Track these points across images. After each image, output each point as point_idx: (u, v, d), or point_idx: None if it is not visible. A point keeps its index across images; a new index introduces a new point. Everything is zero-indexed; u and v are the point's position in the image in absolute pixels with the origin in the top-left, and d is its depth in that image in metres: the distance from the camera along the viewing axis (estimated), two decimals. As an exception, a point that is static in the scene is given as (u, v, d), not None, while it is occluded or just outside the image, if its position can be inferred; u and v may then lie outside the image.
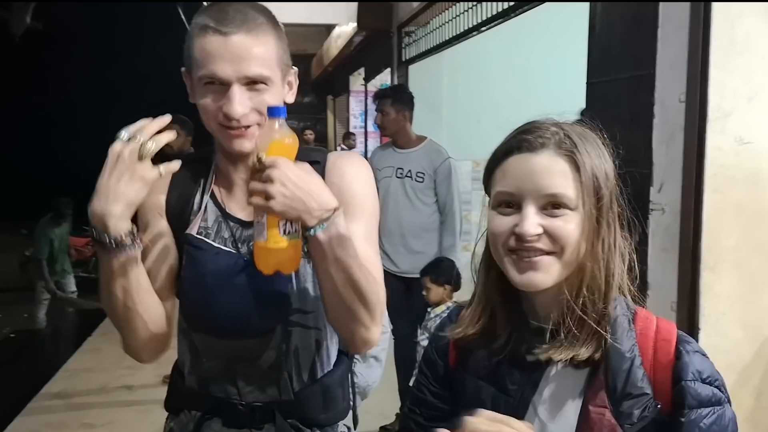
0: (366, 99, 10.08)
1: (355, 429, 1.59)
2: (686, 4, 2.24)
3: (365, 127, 10.24)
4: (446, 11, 5.41)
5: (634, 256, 1.11)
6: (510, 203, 1.05)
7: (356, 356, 1.65)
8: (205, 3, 8.10)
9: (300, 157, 1.32)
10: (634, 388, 1.01)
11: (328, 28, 9.69)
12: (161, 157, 1.26)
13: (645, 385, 1.01)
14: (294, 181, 1.18)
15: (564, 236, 1.03)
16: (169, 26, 11.77)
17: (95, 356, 6.11)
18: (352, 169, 1.44)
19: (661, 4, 2.36)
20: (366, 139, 9.97)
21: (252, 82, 1.30)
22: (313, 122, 16.03)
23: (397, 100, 4.07)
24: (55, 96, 23.06)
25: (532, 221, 1.02)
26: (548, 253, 1.03)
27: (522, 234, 1.02)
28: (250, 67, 1.29)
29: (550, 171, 1.03)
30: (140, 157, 1.21)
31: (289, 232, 1.24)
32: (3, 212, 16.34)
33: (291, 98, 1.44)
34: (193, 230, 1.42)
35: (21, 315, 8.90)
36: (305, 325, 1.41)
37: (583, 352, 1.02)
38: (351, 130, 10.94)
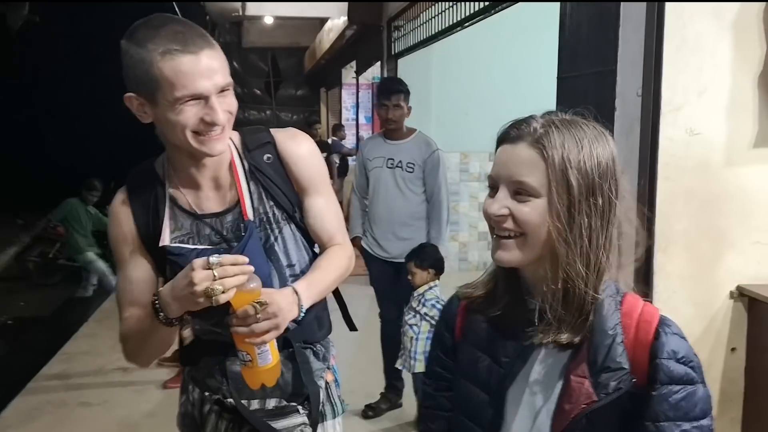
0: (357, 91, 10.19)
1: None
2: (644, 5, 2.42)
3: (357, 118, 10.36)
4: (433, 6, 5.55)
5: (635, 246, 1.22)
6: (492, 186, 1.18)
7: None
8: (201, 3, 8.18)
9: (248, 140, 1.64)
10: (613, 362, 1.09)
11: (321, 22, 9.79)
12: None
13: (623, 360, 1.09)
14: (282, 306, 1.47)
15: (526, 221, 1.12)
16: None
17: (91, 341, 6.23)
18: (301, 149, 1.68)
19: (622, 5, 2.53)
20: (357, 131, 10.10)
21: (221, 90, 1.47)
22: (307, 114, 16.13)
23: (407, 95, 4.20)
24: (50, 90, 23.03)
25: (499, 203, 1.14)
26: (517, 235, 1.14)
27: (486, 212, 1.16)
28: (221, 77, 1.46)
29: (519, 161, 1.12)
30: (206, 296, 1.36)
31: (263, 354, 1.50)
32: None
33: None
34: (166, 241, 1.57)
35: (17, 303, 9.05)
36: (294, 275, 1.67)
37: (565, 337, 1.12)
38: (343, 121, 11.07)
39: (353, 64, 9.70)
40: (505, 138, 1.17)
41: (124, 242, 1.62)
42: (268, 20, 12.04)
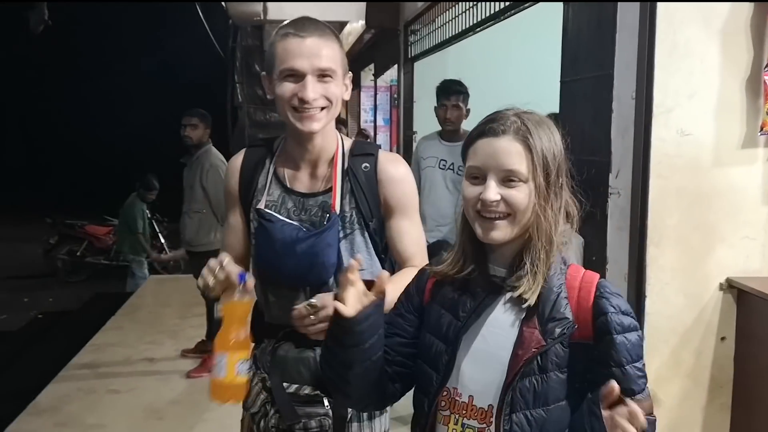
0: (375, 94, 10.31)
1: None
2: (638, 12, 2.56)
3: (375, 121, 10.48)
4: (449, 10, 5.66)
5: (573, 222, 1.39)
6: (477, 176, 1.35)
7: None
8: (223, 3, 8.36)
9: (356, 147, 1.83)
10: (558, 313, 1.28)
11: (341, 25, 9.93)
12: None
13: (567, 312, 1.28)
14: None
15: (517, 203, 1.30)
16: (191, 28, 12.06)
17: (119, 333, 6.47)
18: (398, 172, 1.83)
19: (619, 11, 2.67)
20: (375, 133, 10.22)
21: (321, 75, 1.70)
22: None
23: (467, 96, 4.36)
24: (75, 90, 23.35)
25: (493, 190, 1.31)
26: (505, 216, 1.32)
27: (485, 200, 1.31)
28: (321, 61, 1.69)
29: (508, 152, 1.30)
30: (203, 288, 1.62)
31: (240, 372, 1.60)
32: (28, 202, 16.75)
33: (347, 96, 1.84)
34: (261, 204, 1.80)
35: (46, 299, 9.29)
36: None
37: (530, 294, 1.29)
38: (362, 124, 11.19)
39: (371, 67, 9.82)
40: (485, 133, 1.34)
41: (228, 195, 1.89)
42: (290, 24, 12.12)
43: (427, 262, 1.81)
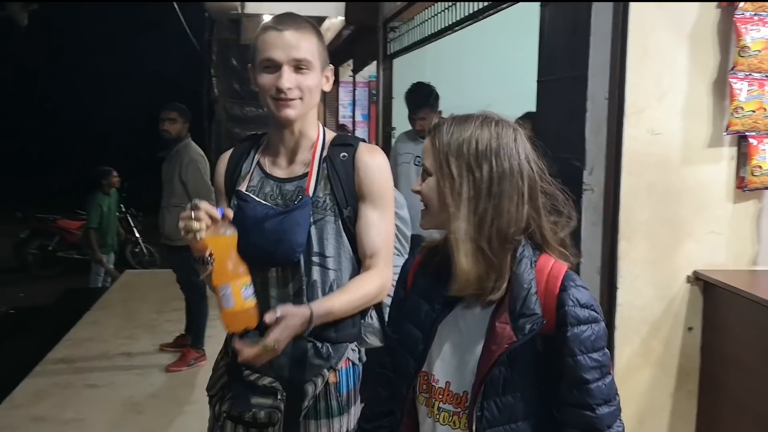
0: (354, 90, 10.36)
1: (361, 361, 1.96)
2: (611, 17, 2.66)
3: (353, 116, 10.53)
4: (428, 8, 5.72)
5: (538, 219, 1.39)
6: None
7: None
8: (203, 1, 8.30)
9: (337, 138, 1.89)
10: (528, 309, 1.31)
11: (319, 21, 9.94)
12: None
13: (536, 308, 1.30)
14: (288, 334, 1.68)
15: (425, 195, 1.41)
16: (167, 21, 11.98)
17: (95, 328, 6.41)
18: (374, 162, 1.86)
19: (593, 15, 2.76)
20: (354, 128, 10.27)
21: (297, 66, 1.77)
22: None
23: (435, 99, 4.56)
24: (48, 83, 23.05)
25: (417, 182, 1.45)
26: (425, 207, 1.43)
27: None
28: (296, 52, 1.76)
29: (425, 149, 1.43)
30: (186, 231, 1.64)
31: (247, 297, 1.68)
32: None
33: (327, 88, 1.91)
34: (242, 188, 1.86)
35: (17, 294, 9.18)
36: (324, 265, 1.81)
37: (494, 294, 1.34)
38: (340, 119, 11.22)
39: (350, 62, 9.86)
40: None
41: (216, 190, 1.96)
42: (267, 18, 12.05)
43: (391, 262, 1.87)
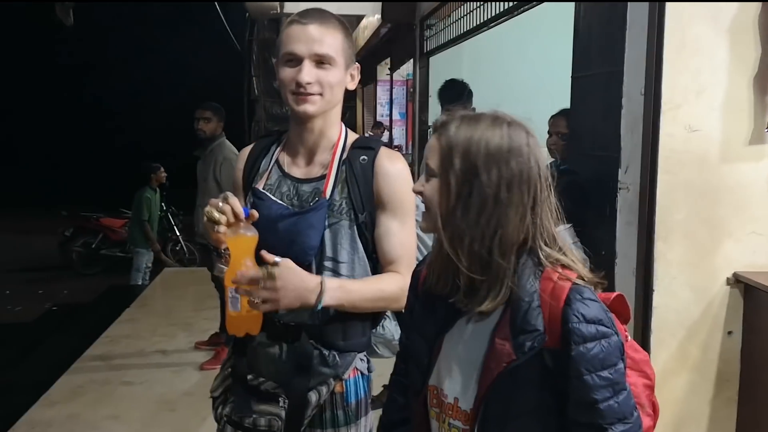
0: (391, 88, 10.34)
1: (370, 371, 1.88)
2: (647, 10, 2.58)
3: (390, 115, 10.51)
4: (464, 5, 5.68)
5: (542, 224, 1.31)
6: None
7: (386, 313, 1.92)
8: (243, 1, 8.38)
9: (359, 141, 1.83)
10: (528, 325, 1.22)
11: (357, 19, 9.94)
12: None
13: (538, 323, 1.22)
14: (289, 287, 1.58)
15: (426, 196, 1.32)
16: (207, 22, 12.12)
17: (132, 325, 6.51)
18: (394, 169, 1.80)
19: (629, 9, 2.69)
20: (391, 126, 10.26)
21: (319, 61, 1.72)
22: (343, 110, 16.27)
23: (468, 97, 4.53)
24: (92, 84, 23.50)
25: (419, 183, 1.34)
26: (427, 209, 1.33)
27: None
28: (319, 47, 1.71)
29: (429, 147, 1.34)
30: (209, 219, 1.60)
31: (254, 303, 1.62)
32: (44, 194, 16.90)
33: (352, 86, 1.85)
34: (259, 185, 1.82)
35: (61, 291, 9.36)
36: (337, 271, 1.73)
37: (483, 306, 1.27)
38: (378, 117, 11.23)
39: (387, 61, 9.85)
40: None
41: (234, 186, 1.91)
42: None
43: (412, 267, 1.71)
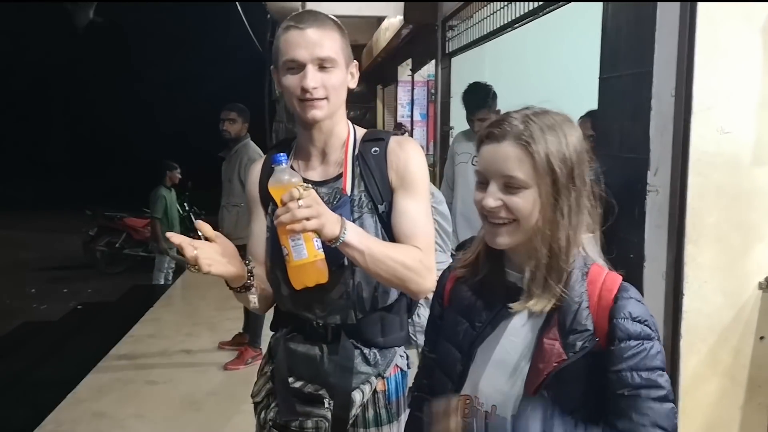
0: (413, 89, 10.31)
1: (408, 368, 1.90)
2: (678, 10, 2.54)
3: (411, 116, 10.49)
4: (487, 6, 5.65)
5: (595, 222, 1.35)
6: (482, 182, 1.35)
7: (420, 301, 1.95)
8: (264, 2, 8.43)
9: (368, 134, 1.84)
10: (579, 325, 1.24)
11: (378, 20, 9.94)
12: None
13: (588, 323, 1.24)
14: (322, 204, 1.56)
15: (518, 209, 1.27)
16: (231, 24, 12.20)
17: (157, 325, 6.59)
18: (407, 153, 1.81)
19: (658, 8, 2.65)
20: (412, 127, 10.24)
21: (322, 65, 1.72)
22: (364, 111, 16.35)
23: (493, 100, 4.58)
24: (117, 85, 23.75)
25: (492, 197, 1.30)
26: (510, 222, 1.30)
27: (484, 207, 1.32)
28: (320, 50, 1.71)
29: (507, 158, 1.27)
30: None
31: (319, 247, 1.61)
32: (69, 194, 17.07)
33: (353, 84, 1.85)
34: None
35: (86, 290, 9.48)
36: None
37: (539, 306, 1.28)
38: (398, 118, 11.20)
39: (409, 62, 9.83)
40: (488, 137, 1.32)
41: (250, 196, 1.91)
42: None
43: (432, 251, 1.77)
